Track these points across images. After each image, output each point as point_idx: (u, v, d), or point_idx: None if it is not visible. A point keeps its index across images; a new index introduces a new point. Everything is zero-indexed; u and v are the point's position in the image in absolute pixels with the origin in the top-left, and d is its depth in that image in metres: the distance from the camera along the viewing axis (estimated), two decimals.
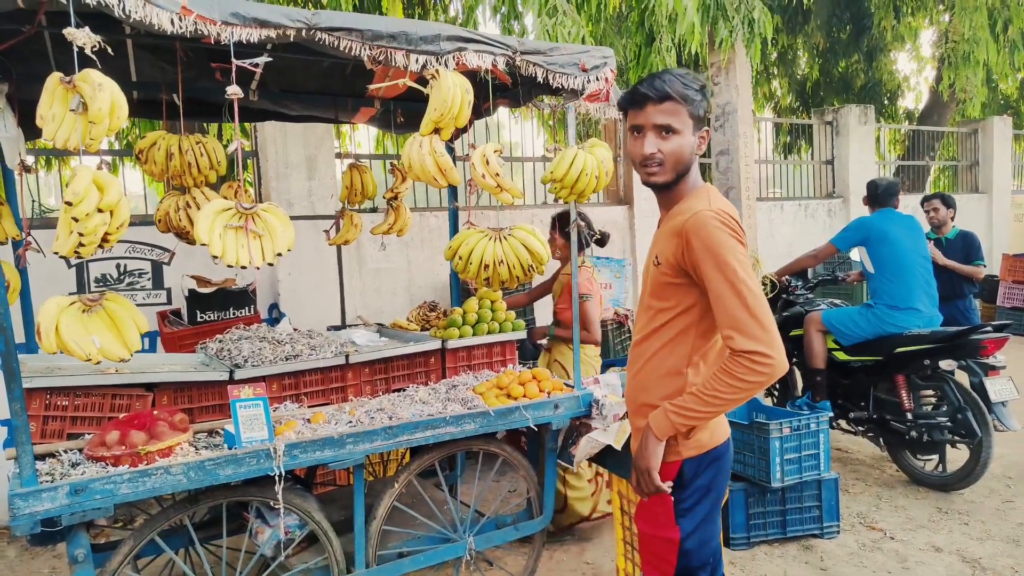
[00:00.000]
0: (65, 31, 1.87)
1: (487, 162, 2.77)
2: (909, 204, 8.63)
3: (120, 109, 1.94)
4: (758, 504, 3.64)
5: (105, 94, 1.88)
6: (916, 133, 11.34)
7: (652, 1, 4.44)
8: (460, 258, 3.08)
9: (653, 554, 1.92)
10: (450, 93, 2.46)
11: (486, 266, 3.06)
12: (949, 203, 5.60)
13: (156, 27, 2.01)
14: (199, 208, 3.07)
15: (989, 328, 4.13)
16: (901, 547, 3.64)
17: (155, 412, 2.35)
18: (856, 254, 4.67)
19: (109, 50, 1.93)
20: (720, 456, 1.90)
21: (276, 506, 2.36)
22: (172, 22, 2.05)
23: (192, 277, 4.43)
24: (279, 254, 2.31)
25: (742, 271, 1.71)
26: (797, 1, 8.71)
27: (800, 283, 5.09)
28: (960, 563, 3.47)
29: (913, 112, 12.71)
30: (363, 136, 7.03)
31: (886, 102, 12.36)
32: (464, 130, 3.66)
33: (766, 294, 5.13)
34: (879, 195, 4.62)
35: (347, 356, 2.93)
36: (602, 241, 4.14)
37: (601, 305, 4.01)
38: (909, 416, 4.30)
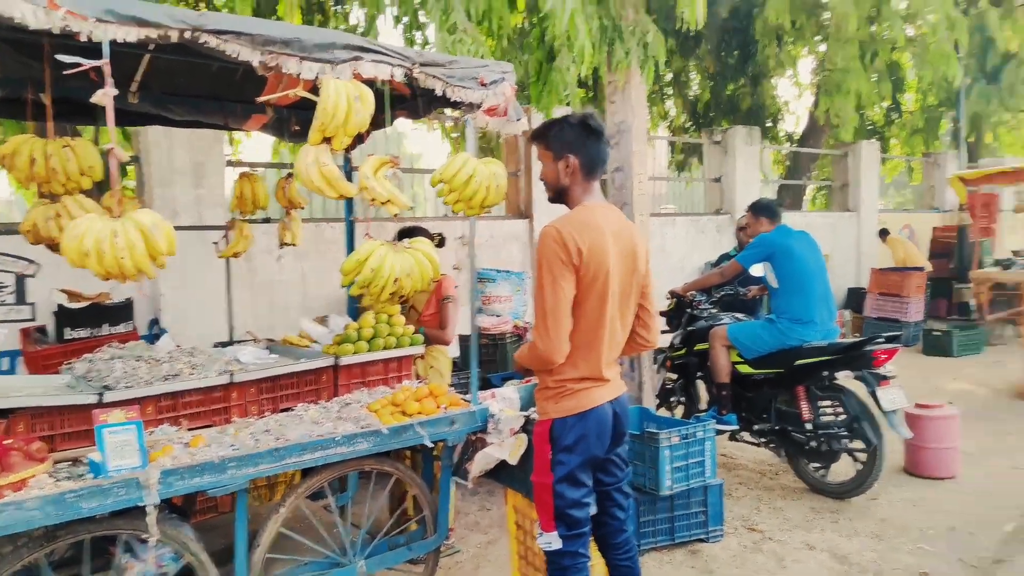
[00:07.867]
0: None
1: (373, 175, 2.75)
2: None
3: None
4: (648, 512, 3.75)
5: None
6: (796, 154, 12.13)
7: (548, 22, 4.55)
8: (372, 270, 2.88)
9: (539, 498, 2.40)
10: (331, 101, 2.40)
11: (395, 280, 2.95)
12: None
13: (17, 21, 1.86)
14: (71, 217, 2.85)
15: (881, 339, 4.30)
16: (779, 547, 3.85)
17: (8, 441, 2.15)
18: (760, 270, 4.76)
19: None
20: (583, 419, 2.34)
21: (147, 539, 2.21)
22: (36, 16, 1.90)
23: (63, 291, 4.10)
24: None
25: (547, 280, 2.27)
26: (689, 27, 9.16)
27: (704, 298, 5.23)
28: (831, 560, 3.71)
29: (794, 134, 13.59)
30: (259, 144, 6.76)
31: (770, 124, 13.15)
32: (361, 140, 3.60)
33: (668, 308, 5.28)
34: (778, 212, 4.79)
35: (231, 375, 2.79)
36: (442, 243, 4.26)
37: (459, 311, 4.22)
38: (808, 426, 4.41)
